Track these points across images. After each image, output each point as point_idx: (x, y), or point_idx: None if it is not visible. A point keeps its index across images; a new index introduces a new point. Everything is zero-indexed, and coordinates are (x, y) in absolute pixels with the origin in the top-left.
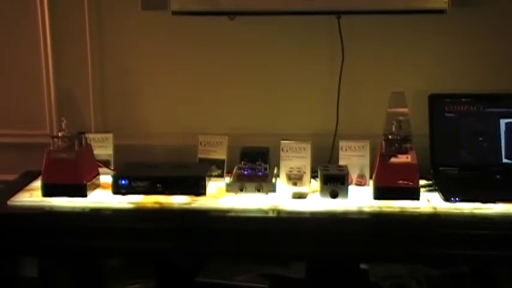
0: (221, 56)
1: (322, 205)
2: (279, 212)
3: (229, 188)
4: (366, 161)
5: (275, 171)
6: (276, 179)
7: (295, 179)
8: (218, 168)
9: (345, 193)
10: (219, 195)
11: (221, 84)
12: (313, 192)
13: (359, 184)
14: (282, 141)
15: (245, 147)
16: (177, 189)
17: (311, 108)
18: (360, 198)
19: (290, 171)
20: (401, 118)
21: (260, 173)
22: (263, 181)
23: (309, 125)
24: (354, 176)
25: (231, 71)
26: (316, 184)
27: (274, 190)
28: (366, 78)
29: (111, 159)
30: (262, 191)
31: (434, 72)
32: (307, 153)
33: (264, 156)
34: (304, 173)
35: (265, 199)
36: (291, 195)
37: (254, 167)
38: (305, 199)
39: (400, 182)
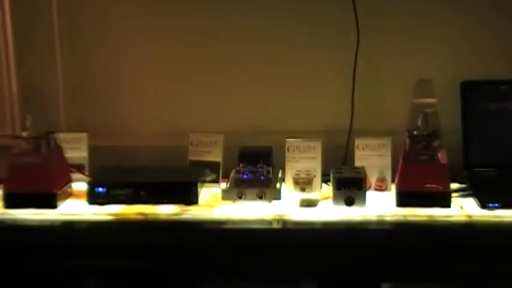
0: (215, 41)
1: (336, 214)
2: (284, 222)
3: (226, 195)
4: (387, 162)
5: (280, 174)
6: (280, 184)
7: (303, 183)
8: (212, 172)
9: (363, 200)
10: (214, 204)
11: (215, 74)
12: (325, 199)
13: (379, 189)
14: (288, 140)
15: (244, 147)
16: (164, 198)
17: (321, 100)
18: (380, 206)
19: (297, 174)
20: (428, 110)
21: (262, 177)
22: (266, 187)
23: (319, 120)
24: (372, 179)
25: (226, 58)
26: (328, 189)
27: (278, 197)
28: (386, 64)
29: (86, 163)
30: (265, 199)
31: (467, 56)
32: (317, 153)
33: (267, 158)
34: (314, 176)
35: (269, 208)
36: (298, 203)
37: (255, 170)
38: (315, 207)
39: (428, 185)
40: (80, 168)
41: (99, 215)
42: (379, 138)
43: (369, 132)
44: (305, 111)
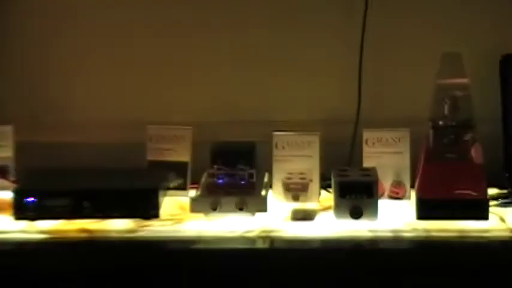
0: (182, 7)
1: (339, 230)
2: (272, 241)
3: (196, 206)
4: (405, 161)
5: (265, 179)
6: (267, 192)
7: (296, 190)
8: (178, 176)
9: (373, 211)
10: (180, 218)
11: (182, 50)
12: (325, 210)
13: (395, 196)
14: (276, 133)
15: (218, 143)
16: (114, 210)
17: (319, 81)
18: (396, 219)
19: (288, 178)
20: (458, 94)
21: (242, 182)
22: (247, 194)
23: (317, 107)
24: (386, 184)
25: (193, 27)
26: (328, 198)
27: (264, 208)
28: (403, 34)
29: (11, 165)
30: (247, 210)
31: (509, 24)
32: (315, 151)
33: (248, 157)
34: (311, 181)
35: (251, 222)
36: (290, 215)
37: (233, 173)
38: (312, 221)
39: (458, 192)
40: (2, 172)
41: (29, 233)
42: (394, 131)
43: (381, 123)
44: (298, 95)
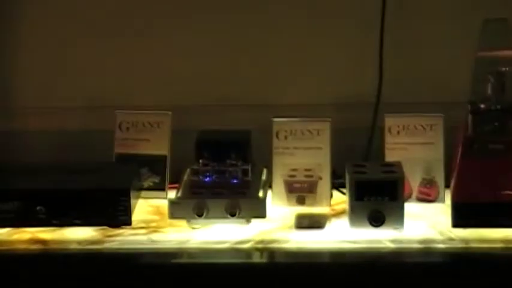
0: None
1: (355, 240)
2: (271, 254)
3: (177, 210)
4: (438, 154)
5: (264, 176)
6: (265, 193)
7: (302, 190)
8: (154, 172)
9: (398, 216)
10: (156, 226)
11: (159, 18)
12: (337, 215)
13: (425, 199)
14: (276, 120)
15: (205, 131)
16: (74, 216)
17: (330, 56)
18: (426, 226)
19: (292, 176)
20: (503, 69)
21: (235, 181)
22: (241, 196)
23: (327, 87)
24: (414, 183)
25: None
26: (342, 200)
27: (262, 214)
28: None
29: None
30: (240, 216)
31: None
32: (325, 142)
33: (242, 149)
34: (320, 179)
35: (246, 231)
36: (294, 222)
37: (223, 168)
38: (321, 229)
39: (504, 192)
40: None
41: None
42: (423, 116)
43: (407, 107)
44: (304, 73)
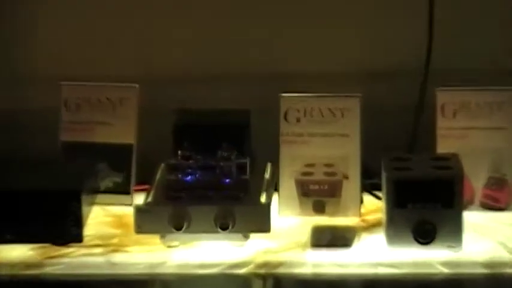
0: None
1: (394, 264)
2: (277, 283)
3: (146, 222)
4: (510, 143)
5: (267, 174)
6: (269, 196)
7: (320, 193)
8: (114, 169)
9: (455, 230)
10: (118, 244)
11: None
12: (369, 229)
13: (492, 204)
14: (284, 96)
15: (187, 112)
16: (6, 230)
17: (361, 4)
18: (494, 243)
19: (307, 173)
20: None
21: (227, 180)
22: (236, 202)
23: (357, 50)
24: (477, 183)
25: None
26: (376, 207)
27: (265, 227)
28: None
29: None
30: (235, 229)
31: None
32: (353, 126)
33: (238, 136)
34: (345, 178)
35: (243, 251)
36: (310, 238)
37: (212, 163)
38: (347, 249)
39: None
40: None
41: None
42: (489, 91)
43: (466, 79)
44: (323, 29)
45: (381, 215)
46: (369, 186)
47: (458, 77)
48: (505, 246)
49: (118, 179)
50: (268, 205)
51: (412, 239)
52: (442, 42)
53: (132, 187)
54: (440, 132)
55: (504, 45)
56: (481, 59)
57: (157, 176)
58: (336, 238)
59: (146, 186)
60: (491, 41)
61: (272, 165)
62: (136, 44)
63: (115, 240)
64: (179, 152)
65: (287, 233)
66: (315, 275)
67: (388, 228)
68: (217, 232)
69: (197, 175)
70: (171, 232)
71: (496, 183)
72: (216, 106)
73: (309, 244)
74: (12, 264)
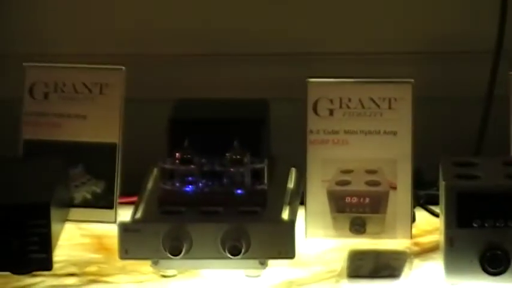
0: None
1: None
2: None
3: (134, 244)
4: None
5: (291, 182)
6: (294, 212)
7: (360, 209)
8: (94, 175)
9: None
10: (99, 273)
11: None
12: (423, 256)
13: None
14: (313, 81)
15: (186, 101)
16: None
17: None
18: None
19: (343, 183)
20: None
21: (239, 191)
22: (250, 218)
23: (408, 23)
24: None
25: None
26: (433, 226)
27: (289, 251)
28: None
29: None
30: (249, 255)
31: None
32: (403, 120)
33: (253, 133)
34: (393, 188)
35: (261, 282)
36: (347, 266)
37: (219, 169)
38: (396, 280)
39: None
40: None
41: None
42: None
43: None
44: (361, 5)
45: (439, 237)
46: (424, 199)
47: None
48: None
49: (98, 188)
50: (292, 223)
51: (479, 268)
52: None
53: (116, 199)
54: None
55: None
56: None
57: (149, 185)
58: (380, 267)
59: (134, 198)
60: None
61: (297, 172)
62: (122, 13)
63: (94, 268)
64: (177, 154)
65: (317, 259)
66: None
67: (448, 254)
68: (225, 258)
69: (200, 184)
70: (167, 258)
71: None
72: (224, 95)
73: (345, 274)
74: None
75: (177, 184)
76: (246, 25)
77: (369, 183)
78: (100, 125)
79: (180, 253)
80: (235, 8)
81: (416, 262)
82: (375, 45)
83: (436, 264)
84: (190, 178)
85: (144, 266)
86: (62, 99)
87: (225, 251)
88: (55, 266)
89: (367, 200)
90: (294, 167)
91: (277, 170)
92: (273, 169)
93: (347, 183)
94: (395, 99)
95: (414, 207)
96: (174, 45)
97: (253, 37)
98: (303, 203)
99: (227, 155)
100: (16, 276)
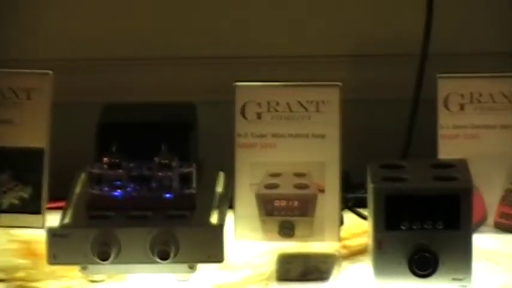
0: None
1: None
2: None
3: (62, 250)
4: None
5: (220, 186)
6: (222, 216)
7: (289, 212)
8: (20, 181)
9: (463, 260)
10: (27, 278)
11: None
12: (351, 258)
13: (510, 225)
14: (240, 85)
15: (114, 106)
16: None
17: None
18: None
19: (272, 186)
20: None
21: (167, 195)
22: (178, 222)
23: (337, 26)
24: (491, 197)
25: None
26: (361, 229)
27: (217, 255)
28: None
29: None
30: (177, 259)
31: None
32: (331, 123)
33: (181, 137)
34: (321, 191)
35: (189, 287)
36: (276, 270)
37: (147, 173)
38: (324, 282)
39: None
40: None
41: None
42: (506, 79)
43: (473, 61)
44: (289, 6)
45: (367, 240)
46: (352, 201)
47: (465, 62)
48: None
49: (25, 194)
50: (220, 227)
51: (407, 270)
52: (442, 17)
53: (44, 204)
54: (442, 131)
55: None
56: (495, 38)
57: (77, 190)
58: (309, 270)
59: (62, 204)
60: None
61: (226, 176)
62: (49, 18)
63: (22, 274)
64: (105, 158)
65: (246, 263)
66: None
67: (377, 257)
68: (154, 262)
69: (128, 188)
70: (95, 263)
71: None
72: (152, 99)
73: (274, 277)
74: None
75: (105, 189)
76: (172, 28)
77: (297, 186)
78: (27, 130)
79: (108, 258)
80: (160, 11)
81: (345, 265)
82: (303, 48)
83: (365, 266)
84: (118, 183)
85: (73, 271)
86: None
87: (154, 256)
88: None
89: (296, 203)
90: (222, 170)
91: (206, 174)
92: (202, 173)
93: (275, 186)
94: (323, 102)
95: (342, 210)
96: (101, 50)
97: (181, 41)
98: (231, 206)
99: (155, 159)
100: None
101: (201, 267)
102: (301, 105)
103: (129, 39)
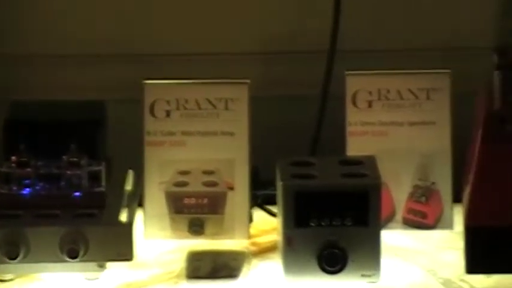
0: None
1: None
2: None
3: None
4: (442, 142)
5: (129, 183)
6: (132, 214)
7: (198, 210)
8: None
9: (371, 256)
10: None
11: None
12: (261, 255)
13: (418, 221)
14: (149, 83)
15: (21, 104)
16: None
17: None
18: (421, 271)
19: (181, 184)
20: None
21: (76, 193)
22: (87, 220)
23: (245, 23)
24: (399, 194)
25: None
26: (270, 226)
27: (127, 253)
28: None
29: None
30: (87, 258)
31: None
32: (239, 121)
33: (89, 135)
34: (231, 188)
35: (99, 285)
36: (185, 268)
37: (55, 171)
38: (234, 280)
39: None
40: None
41: None
42: (415, 75)
43: (383, 58)
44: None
45: (276, 237)
46: (261, 199)
47: (374, 56)
48: (434, 274)
49: None
50: (130, 225)
51: (316, 266)
52: (351, 14)
53: None
54: (351, 128)
55: (434, 18)
56: (402, 34)
57: None
58: (219, 267)
59: None
60: (415, 13)
61: (135, 174)
62: None
63: None
64: (13, 157)
65: (155, 261)
66: None
67: (286, 254)
68: (64, 261)
69: (37, 187)
70: (3, 262)
71: (423, 194)
72: (60, 96)
73: (184, 275)
74: None
75: (14, 188)
76: (81, 26)
77: (207, 183)
78: None
79: (17, 257)
80: (72, 8)
81: (255, 262)
82: (211, 46)
83: (275, 263)
84: (26, 181)
85: None
86: None
87: (63, 254)
88: None
89: (205, 200)
90: (131, 168)
91: (115, 172)
92: (111, 171)
93: (185, 184)
94: (232, 100)
95: (252, 207)
96: (10, 45)
97: (89, 38)
98: (141, 205)
99: (64, 157)
100: None
101: (110, 265)
102: (210, 102)
103: (39, 36)
